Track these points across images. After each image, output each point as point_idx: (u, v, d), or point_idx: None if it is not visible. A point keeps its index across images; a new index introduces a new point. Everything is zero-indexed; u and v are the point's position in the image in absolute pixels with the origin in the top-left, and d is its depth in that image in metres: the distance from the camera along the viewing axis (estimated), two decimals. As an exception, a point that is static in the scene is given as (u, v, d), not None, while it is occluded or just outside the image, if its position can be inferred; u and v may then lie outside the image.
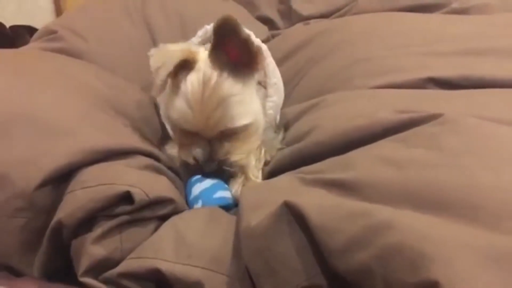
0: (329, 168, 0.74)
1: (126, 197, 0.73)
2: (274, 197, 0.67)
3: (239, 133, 0.90)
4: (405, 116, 0.74)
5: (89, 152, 0.76)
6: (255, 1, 1.75)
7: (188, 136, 0.90)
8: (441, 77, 0.97)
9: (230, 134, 0.89)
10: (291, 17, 1.71)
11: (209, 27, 1.05)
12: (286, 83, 1.22)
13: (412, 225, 0.52)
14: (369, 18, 1.39)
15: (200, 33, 1.07)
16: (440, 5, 1.48)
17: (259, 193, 0.75)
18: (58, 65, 1.05)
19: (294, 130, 0.97)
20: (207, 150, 0.89)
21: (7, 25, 1.83)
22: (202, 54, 0.90)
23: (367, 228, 0.55)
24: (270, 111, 1.00)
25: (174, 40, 1.40)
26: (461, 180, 0.58)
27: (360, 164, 0.69)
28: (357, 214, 0.57)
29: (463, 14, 1.41)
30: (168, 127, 0.98)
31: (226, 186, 0.91)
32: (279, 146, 0.99)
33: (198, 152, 0.89)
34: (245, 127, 0.90)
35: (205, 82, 0.85)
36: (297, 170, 0.81)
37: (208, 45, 0.89)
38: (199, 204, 0.86)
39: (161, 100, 1.02)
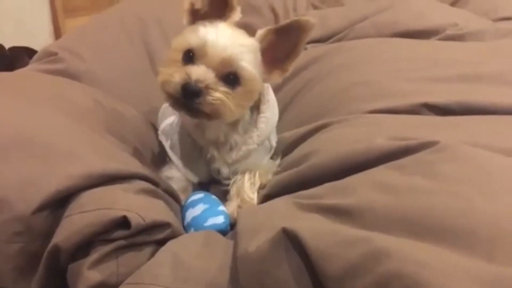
0: (326, 193, 0.74)
1: (123, 222, 0.73)
2: (271, 222, 0.68)
3: (237, 81, 0.89)
4: (401, 143, 0.74)
5: (88, 176, 0.76)
6: (253, 25, 1.75)
7: (187, 62, 0.89)
8: (436, 103, 0.98)
9: (229, 76, 0.89)
10: (288, 41, 1.72)
11: None
12: (284, 106, 1.24)
13: (409, 253, 0.53)
14: (366, 44, 1.41)
15: None
16: (434, 32, 1.49)
17: (256, 217, 0.75)
18: (57, 89, 1.06)
19: (292, 156, 0.98)
20: (203, 72, 0.87)
21: (5, 45, 1.85)
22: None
23: (364, 255, 0.55)
24: (262, 125, 1.00)
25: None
26: (456, 208, 0.59)
27: (357, 190, 0.69)
28: (354, 241, 0.57)
29: (458, 41, 1.43)
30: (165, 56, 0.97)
31: (218, 210, 0.91)
32: (274, 169, 1.00)
33: (194, 69, 0.87)
34: (247, 75, 0.89)
35: (234, 31, 0.92)
36: (294, 194, 0.81)
37: None
38: (191, 231, 0.87)
39: (162, 114, 1.02)
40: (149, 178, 0.87)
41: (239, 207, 0.94)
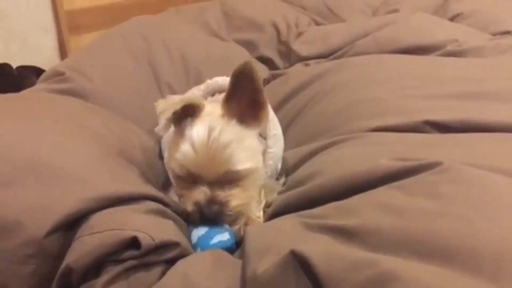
0: (332, 213, 0.75)
1: (133, 242, 0.75)
2: (279, 243, 0.69)
3: (240, 179, 0.91)
4: (405, 164, 0.76)
5: (99, 199, 0.78)
6: (255, 41, 1.78)
7: (190, 182, 0.91)
8: (438, 120, 1.00)
9: (231, 180, 0.91)
10: (290, 57, 1.74)
11: (210, 82, 1.08)
12: (287, 124, 1.25)
13: (416, 276, 0.54)
14: (368, 61, 1.43)
15: (202, 86, 1.11)
16: (435, 48, 1.51)
17: (264, 237, 0.76)
18: (67, 111, 1.08)
19: (296, 175, 0.99)
20: (209, 193, 0.90)
21: (12, 64, 1.88)
22: (207, 104, 0.95)
23: (371, 278, 0.56)
24: (270, 162, 1.02)
25: (177, 81, 1.44)
26: (461, 230, 0.60)
27: (361, 211, 0.71)
28: (362, 263, 0.59)
29: (458, 57, 1.45)
30: (170, 175, 0.99)
31: (223, 227, 0.92)
32: (280, 188, 1.01)
33: (200, 194, 0.90)
34: (247, 173, 0.91)
35: (211, 127, 0.89)
36: (299, 213, 0.82)
37: (210, 98, 0.96)
38: (198, 251, 0.87)
39: (165, 147, 1.04)
40: (158, 198, 0.89)
41: (245, 224, 0.95)
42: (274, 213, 0.93)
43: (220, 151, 0.88)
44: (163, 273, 0.77)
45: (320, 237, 0.69)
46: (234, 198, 0.91)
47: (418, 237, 0.61)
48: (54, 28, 2.14)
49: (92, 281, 0.73)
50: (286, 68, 1.72)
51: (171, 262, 0.79)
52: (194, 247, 0.89)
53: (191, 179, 0.91)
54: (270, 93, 1.45)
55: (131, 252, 0.75)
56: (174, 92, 1.39)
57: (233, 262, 0.78)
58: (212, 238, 0.89)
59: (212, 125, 0.89)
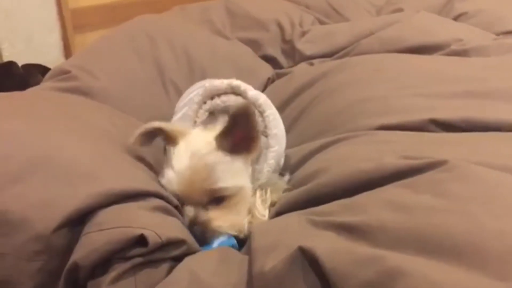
0: (338, 211, 0.76)
1: (140, 239, 0.75)
2: (286, 240, 0.69)
3: (225, 199, 0.92)
4: (410, 162, 0.76)
5: (107, 195, 0.79)
6: (259, 40, 1.79)
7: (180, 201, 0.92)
8: (443, 119, 1.00)
9: (217, 200, 0.91)
10: (295, 56, 1.75)
11: (208, 86, 1.09)
12: (291, 123, 1.26)
13: (422, 272, 0.54)
14: (372, 60, 1.43)
15: (200, 91, 1.11)
16: (439, 47, 1.52)
17: (270, 234, 0.77)
18: (72, 109, 1.09)
19: (301, 172, 0.99)
20: (192, 214, 0.90)
21: (18, 62, 1.88)
22: (194, 131, 0.98)
23: (378, 274, 0.57)
24: (272, 161, 1.02)
25: (182, 79, 1.45)
26: (467, 227, 0.61)
27: (368, 208, 0.71)
28: (369, 260, 0.59)
29: (462, 56, 1.45)
30: None
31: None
32: (285, 186, 1.02)
33: (186, 214, 0.91)
34: (231, 192, 0.92)
35: (193, 152, 0.91)
36: (305, 210, 0.82)
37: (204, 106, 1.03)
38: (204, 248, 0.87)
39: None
40: (163, 196, 0.89)
41: (250, 222, 0.96)
42: (279, 211, 0.93)
43: (201, 171, 0.89)
44: (170, 270, 0.77)
45: (327, 234, 0.70)
46: (217, 219, 0.91)
47: (425, 234, 0.61)
48: (59, 26, 2.14)
49: (99, 278, 0.73)
50: (290, 67, 1.73)
51: (177, 259, 0.79)
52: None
53: (179, 200, 0.92)
54: (274, 92, 1.46)
55: (138, 250, 0.75)
56: (179, 90, 1.39)
57: (240, 258, 0.79)
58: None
59: (195, 150, 0.91)
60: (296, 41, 1.77)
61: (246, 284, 0.70)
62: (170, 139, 0.95)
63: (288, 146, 1.16)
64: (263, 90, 1.58)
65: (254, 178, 1.00)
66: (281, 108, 1.33)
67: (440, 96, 1.11)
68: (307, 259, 0.64)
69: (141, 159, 0.98)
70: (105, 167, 0.86)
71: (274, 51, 1.77)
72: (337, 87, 1.29)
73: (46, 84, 1.30)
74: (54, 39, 2.15)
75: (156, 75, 1.43)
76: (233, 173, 0.93)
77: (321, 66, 1.52)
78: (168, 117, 1.20)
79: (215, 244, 0.89)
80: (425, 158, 0.76)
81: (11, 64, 1.86)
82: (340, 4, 2.03)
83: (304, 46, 1.74)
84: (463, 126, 0.98)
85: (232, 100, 1.05)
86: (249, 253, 0.76)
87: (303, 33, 1.80)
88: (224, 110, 1.05)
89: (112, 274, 0.73)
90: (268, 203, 0.99)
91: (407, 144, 0.91)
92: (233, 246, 0.89)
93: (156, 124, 0.95)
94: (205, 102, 1.08)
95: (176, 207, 0.90)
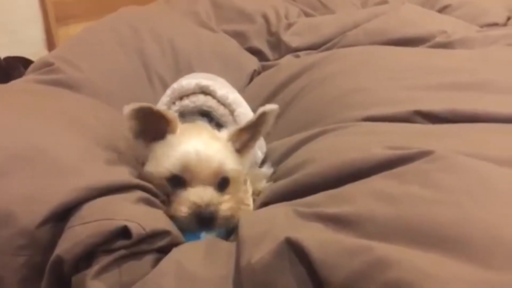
0: (325, 202, 0.76)
1: (124, 232, 0.74)
2: (273, 231, 0.69)
3: (228, 184, 0.91)
4: (398, 152, 0.76)
5: (91, 188, 0.78)
6: (245, 33, 1.78)
7: (178, 186, 0.90)
8: (429, 110, 1.01)
9: (221, 185, 0.90)
10: (280, 48, 1.74)
11: (176, 86, 1.07)
12: (278, 115, 1.25)
13: (410, 262, 0.55)
14: (359, 52, 1.44)
15: (168, 91, 1.09)
16: (424, 39, 1.53)
17: (257, 225, 0.76)
18: (56, 102, 1.07)
19: (287, 164, 0.99)
20: (208, 196, 0.87)
21: (0, 56, 1.85)
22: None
23: (366, 264, 0.57)
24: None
25: (168, 71, 1.44)
26: (454, 217, 0.61)
27: (356, 199, 0.71)
28: (356, 250, 0.59)
29: (447, 48, 1.46)
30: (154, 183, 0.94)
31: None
32: (267, 176, 1.03)
33: (195, 196, 0.87)
34: (234, 175, 0.91)
35: (202, 137, 0.91)
36: (292, 202, 0.82)
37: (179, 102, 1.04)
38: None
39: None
40: (146, 187, 0.88)
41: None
42: (265, 201, 0.93)
43: (215, 156, 0.89)
44: (155, 262, 0.76)
45: (314, 225, 0.69)
46: (225, 202, 0.89)
47: (413, 225, 0.62)
48: (41, 18, 2.11)
49: (83, 271, 0.72)
50: (276, 59, 1.72)
51: (162, 250, 0.79)
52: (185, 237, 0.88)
53: (178, 183, 0.89)
54: (261, 84, 1.46)
55: (122, 242, 0.74)
56: (164, 82, 1.38)
57: (227, 249, 0.77)
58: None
59: (204, 135, 0.92)
60: (282, 33, 1.76)
61: (234, 275, 0.70)
62: (166, 125, 0.92)
63: (275, 138, 1.16)
64: (249, 83, 1.57)
65: None
66: (268, 99, 1.33)
67: (426, 87, 1.12)
68: (295, 250, 0.64)
69: (123, 153, 0.96)
70: (89, 160, 0.85)
71: (260, 43, 1.77)
72: (323, 79, 1.29)
73: (29, 76, 1.28)
74: (36, 31, 2.12)
75: (141, 67, 1.42)
76: (234, 158, 0.93)
77: (307, 58, 1.52)
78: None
79: (202, 235, 0.87)
80: (412, 148, 0.76)
81: (-8, 57, 1.83)
82: (326, -4, 2.03)
83: (290, 39, 1.74)
84: (450, 117, 0.99)
85: (202, 100, 1.04)
86: (236, 243, 0.75)
87: (289, 25, 1.80)
88: (193, 111, 1.05)
89: (96, 267, 0.72)
90: (250, 192, 1.00)
91: (394, 135, 0.91)
92: (219, 234, 0.88)
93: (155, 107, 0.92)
94: (174, 103, 1.07)
95: (162, 201, 0.89)
